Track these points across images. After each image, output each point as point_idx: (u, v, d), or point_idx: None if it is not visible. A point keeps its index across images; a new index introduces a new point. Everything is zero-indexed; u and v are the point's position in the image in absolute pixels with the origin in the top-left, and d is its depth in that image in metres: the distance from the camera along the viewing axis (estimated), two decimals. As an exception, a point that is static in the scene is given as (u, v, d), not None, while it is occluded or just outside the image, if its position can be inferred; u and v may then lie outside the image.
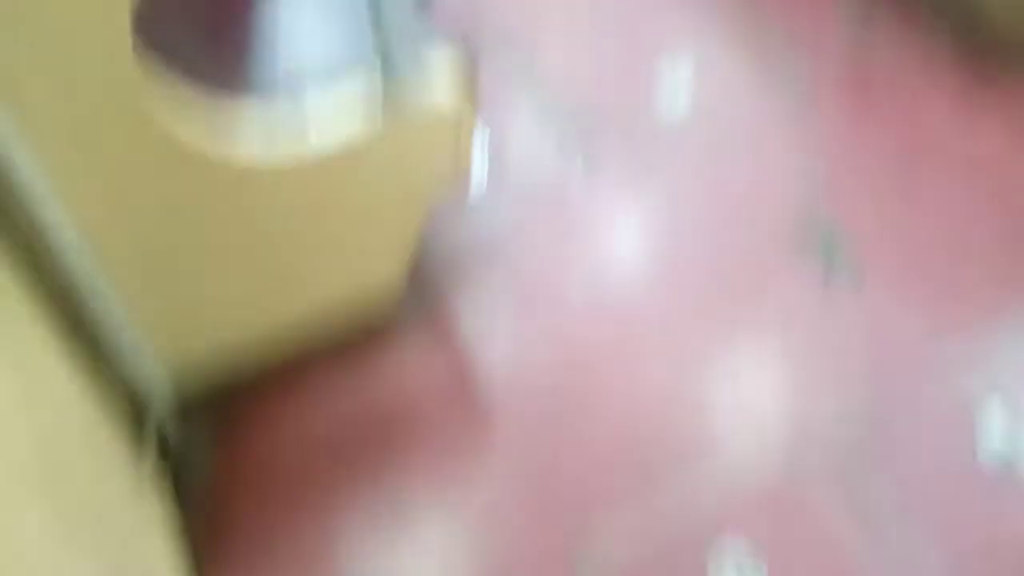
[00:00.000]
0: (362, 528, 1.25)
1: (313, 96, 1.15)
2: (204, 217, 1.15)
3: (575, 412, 1.37)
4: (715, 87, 1.84)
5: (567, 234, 1.59)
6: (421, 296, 1.49)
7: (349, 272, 1.36)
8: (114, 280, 1.13)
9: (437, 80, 1.18)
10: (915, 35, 1.90)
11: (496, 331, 1.48)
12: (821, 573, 1.20)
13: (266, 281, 1.29)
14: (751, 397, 1.39)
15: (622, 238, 1.60)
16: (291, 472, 1.31)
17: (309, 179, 1.18)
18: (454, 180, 1.32)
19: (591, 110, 1.79)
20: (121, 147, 1.00)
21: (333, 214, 1.26)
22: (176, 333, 1.27)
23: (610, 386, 1.40)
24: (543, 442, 1.34)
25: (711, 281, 1.52)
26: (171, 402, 1.34)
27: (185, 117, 1.03)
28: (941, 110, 1.76)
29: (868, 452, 1.31)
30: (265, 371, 1.40)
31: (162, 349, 1.26)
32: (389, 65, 1.12)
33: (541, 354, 1.44)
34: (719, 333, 1.46)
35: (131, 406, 1.24)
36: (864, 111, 1.77)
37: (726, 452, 1.32)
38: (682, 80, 1.84)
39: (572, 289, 1.52)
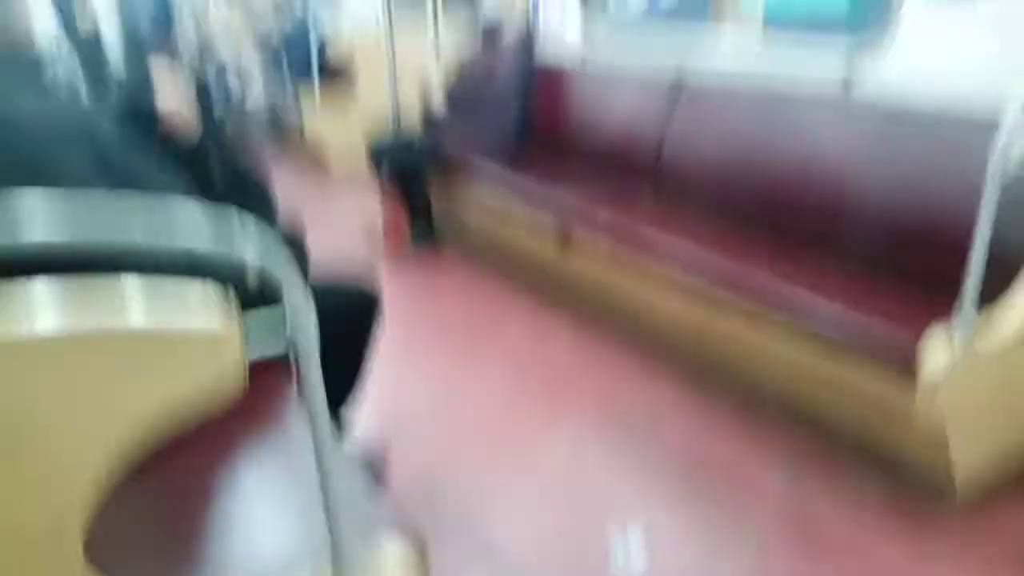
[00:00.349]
0: None
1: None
2: None
3: None
4: (667, 549, 1.84)
5: None
6: None
7: None
8: None
9: (387, 564, 1.17)
10: (848, 483, 2.01)
11: None
12: None
13: None
14: None
15: None
16: None
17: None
18: None
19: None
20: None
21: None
22: None
23: None
24: None
25: None
26: None
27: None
28: (884, 553, 1.80)
29: None
30: None
31: None
32: (339, 554, 1.12)
33: None
34: None
35: None
36: (811, 557, 1.80)
37: None
38: (635, 544, 1.86)
39: None
